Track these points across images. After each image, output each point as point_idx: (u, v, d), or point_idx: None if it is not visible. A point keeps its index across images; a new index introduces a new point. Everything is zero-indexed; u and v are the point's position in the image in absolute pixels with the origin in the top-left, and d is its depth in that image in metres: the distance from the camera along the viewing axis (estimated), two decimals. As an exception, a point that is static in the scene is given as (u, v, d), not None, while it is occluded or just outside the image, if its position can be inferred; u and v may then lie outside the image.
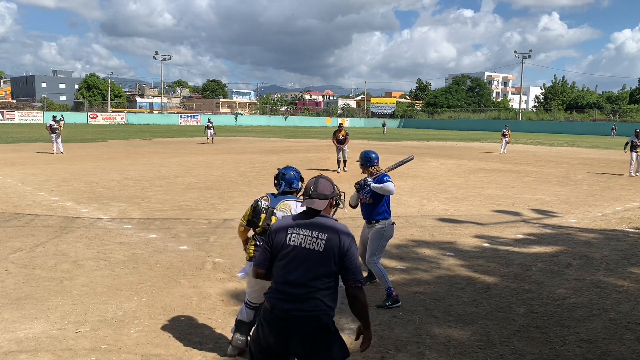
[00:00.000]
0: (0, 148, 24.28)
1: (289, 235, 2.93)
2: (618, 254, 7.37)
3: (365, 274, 5.96)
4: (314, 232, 2.90)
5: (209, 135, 31.21)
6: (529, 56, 76.62)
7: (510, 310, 5.17)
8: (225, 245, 7.36)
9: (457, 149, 29.79)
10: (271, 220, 3.93)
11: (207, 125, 31.51)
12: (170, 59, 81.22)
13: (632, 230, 8.99)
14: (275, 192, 4.15)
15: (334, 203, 3.11)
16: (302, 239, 2.90)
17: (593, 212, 10.56)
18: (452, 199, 11.86)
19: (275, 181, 4.15)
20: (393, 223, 5.49)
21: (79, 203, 10.44)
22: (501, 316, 5.02)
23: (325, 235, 2.88)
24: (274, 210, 3.97)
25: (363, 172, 5.60)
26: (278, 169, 4.23)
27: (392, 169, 5.56)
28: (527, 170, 18.41)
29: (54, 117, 23.87)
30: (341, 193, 3.19)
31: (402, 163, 5.72)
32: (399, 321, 4.86)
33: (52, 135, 22.16)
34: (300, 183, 4.17)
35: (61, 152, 21.88)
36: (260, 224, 4.03)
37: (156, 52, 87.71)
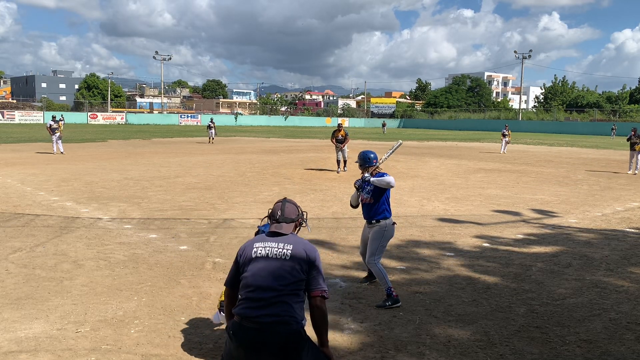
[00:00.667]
0: (0, 148, 24.28)
1: (255, 249, 3.07)
2: (618, 254, 7.37)
3: (365, 274, 5.97)
4: (279, 243, 3.06)
5: (210, 134, 31.67)
6: (529, 56, 76.67)
7: (510, 310, 5.16)
8: (225, 245, 7.36)
9: (457, 149, 29.80)
10: None
11: (209, 125, 32.26)
12: (170, 59, 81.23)
13: (632, 230, 8.99)
14: None
15: (298, 224, 3.31)
16: (269, 250, 3.04)
17: (593, 212, 10.56)
18: (452, 199, 11.86)
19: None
20: (394, 223, 5.50)
21: (79, 203, 10.45)
22: (501, 316, 5.02)
23: (291, 246, 3.04)
24: None
25: (362, 173, 5.63)
26: (258, 226, 4.41)
27: (386, 159, 5.67)
28: (527, 170, 18.41)
29: (54, 118, 23.84)
30: (304, 213, 3.36)
31: (393, 150, 5.83)
32: (399, 321, 4.85)
33: (53, 136, 22.12)
34: None
35: (61, 152, 21.87)
36: None
37: (156, 52, 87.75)
